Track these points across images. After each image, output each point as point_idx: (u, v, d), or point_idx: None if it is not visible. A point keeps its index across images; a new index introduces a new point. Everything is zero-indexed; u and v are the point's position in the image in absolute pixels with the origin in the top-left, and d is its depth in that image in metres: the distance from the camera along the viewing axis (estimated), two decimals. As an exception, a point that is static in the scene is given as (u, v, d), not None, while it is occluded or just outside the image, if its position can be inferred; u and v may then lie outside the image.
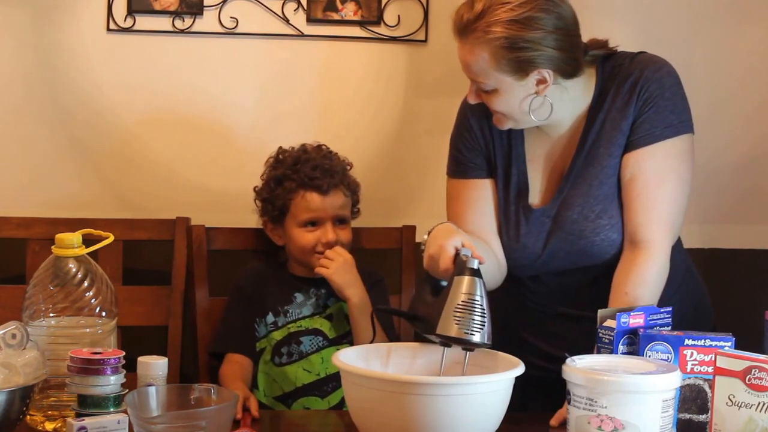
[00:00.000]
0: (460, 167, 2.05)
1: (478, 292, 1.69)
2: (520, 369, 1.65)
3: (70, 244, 1.82)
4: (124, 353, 1.74)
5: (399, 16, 2.67)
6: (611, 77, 1.95)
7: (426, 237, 1.86)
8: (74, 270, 1.82)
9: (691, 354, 1.71)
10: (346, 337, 2.25)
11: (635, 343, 1.74)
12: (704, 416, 1.71)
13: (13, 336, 1.72)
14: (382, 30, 2.68)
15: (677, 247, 1.96)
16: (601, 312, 1.80)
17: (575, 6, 1.89)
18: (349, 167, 2.36)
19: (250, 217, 2.40)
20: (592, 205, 1.94)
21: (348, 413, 1.73)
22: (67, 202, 2.62)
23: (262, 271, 2.34)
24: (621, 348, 1.75)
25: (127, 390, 1.70)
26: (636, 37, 2.63)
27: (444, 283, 1.74)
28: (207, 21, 2.64)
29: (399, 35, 2.68)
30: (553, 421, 1.79)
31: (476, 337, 1.67)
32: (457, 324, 1.67)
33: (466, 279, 1.69)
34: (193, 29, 2.64)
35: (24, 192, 2.63)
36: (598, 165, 1.94)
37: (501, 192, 2.01)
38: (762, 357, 1.55)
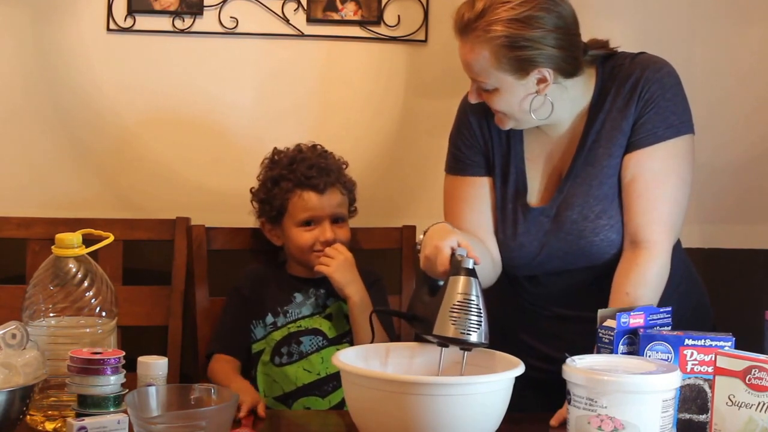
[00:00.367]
0: (458, 164, 2.05)
1: (474, 292, 1.69)
2: (520, 369, 1.65)
3: (70, 244, 1.82)
4: (124, 353, 1.74)
5: (399, 16, 2.67)
6: (611, 77, 1.95)
7: (422, 237, 1.86)
8: (74, 270, 1.82)
9: (691, 354, 1.71)
10: (345, 337, 2.25)
11: (635, 343, 1.74)
12: (704, 416, 1.71)
13: (13, 336, 1.72)
14: (382, 30, 2.68)
15: (676, 247, 1.96)
16: (601, 312, 1.80)
17: (575, 6, 1.89)
18: (344, 166, 2.36)
19: (249, 217, 2.40)
20: (592, 205, 1.94)
21: (348, 413, 1.73)
22: (67, 202, 2.62)
23: (261, 273, 2.34)
24: (621, 348, 1.75)
25: (127, 390, 1.70)
26: (636, 37, 2.63)
27: (441, 283, 1.74)
28: (207, 21, 2.64)
29: (399, 35, 2.68)
30: (553, 421, 1.79)
31: (473, 337, 1.67)
32: (453, 324, 1.67)
33: (462, 279, 1.69)
34: (193, 29, 2.64)
35: (24, 192, 2.63)
36: (598, 165, 1.94)
37: (499, 190, 2.01)
38: (762, 357, 1.55)
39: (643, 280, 1.87)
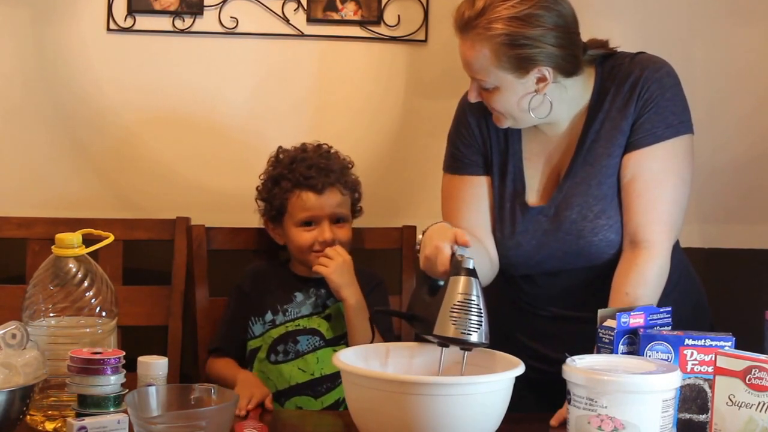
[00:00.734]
0: (456, 163, 2.05)
1: (475, 292, 1.69)
2: (520, 369, 1.65)
3: (70, 244, 1.82)
4: (124, 353, 1.73)
5: (399, 16, 2.67)
6: (610, 77, 1.95)
7: (421, 237, 1.86)
8: (74, 270, 1.82)
9: (691, 354, 1.71)
10: (343, 339, 2.25)
11: (635, 342, 1.74)
12: (704, 416, 1.71)
13: (13, 336, 1.72)
14: (382, 30, 2.68)
15: (675, 247, 1.96)
16: (601, 312, 1.80)
17: (575, 6, 1.89)
18: (350, 165, 2.36)
19: (250, 217, 2.40)
20: (591, 205, 1.94)
21: (345, 413, 1.72)
22: (67, 202, 2.62)
23: (263, 270, 2.34)
24: (621, 348, 1.75)
25: (127, 390, 1.70)
26: (636, 37, 2.63)
27: (441, 283, 1.74)
28: (207, 21, 2.64)
29: (399, 35, 2.68)
30: (553, 421, 1.79)
31: (473, 337, 1.67)
32: (454, 324, 1.67)
33: (462, 279, 1.69)
34: (193, 29, 2.64)
35: (24, 192, 2.63)
36: (597, 165, 1.94)
37: (497, 189, 2.01)
38: (762, 357, 1.55)
39: (643, 280, 1.87)
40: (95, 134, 2.65)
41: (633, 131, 1.92)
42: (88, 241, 1.85)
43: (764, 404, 1.53)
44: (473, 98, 1.93)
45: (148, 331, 2.43)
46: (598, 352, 1.77)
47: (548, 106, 1.89)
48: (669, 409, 1.56)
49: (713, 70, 2.72)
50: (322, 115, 2.70)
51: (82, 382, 1.70)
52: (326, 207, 2.26)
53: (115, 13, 2.61)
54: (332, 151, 2.36)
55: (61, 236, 1.83)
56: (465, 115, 2.05)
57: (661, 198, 1.90)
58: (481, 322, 1.68)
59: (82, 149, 2.65)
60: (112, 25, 2.62)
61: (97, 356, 1.70)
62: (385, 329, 2.26)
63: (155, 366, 1.81)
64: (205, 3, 2.63)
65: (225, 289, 2.35)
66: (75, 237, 1.83)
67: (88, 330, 1.81)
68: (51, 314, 1.80)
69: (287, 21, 2.66)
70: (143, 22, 2.63)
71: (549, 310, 2.03)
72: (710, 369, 1.68)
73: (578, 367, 1.60)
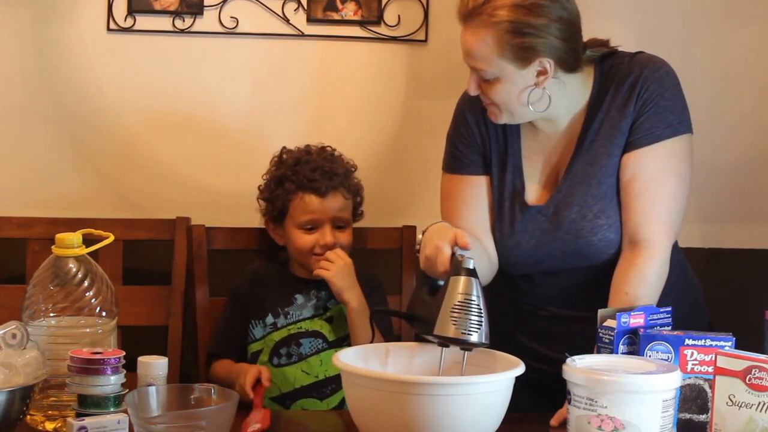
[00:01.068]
0: (455, 163, 2.05)
1: (475, 292, 1.68)
2: (520, 369, 1.65)
3: (70, 243, 1.82)
4: (124, 353, 1.73)
5: (399, 15, 2.67)
6: (609, 76, 1.95)
7: (420, 237, 1.86)
8: (74, 270, 1.82)
9: (692, 354, 1.71)
10: (345, 340, 2.25)
11: (635, 342, 1.74)
12: (704, 416, 1.71)
13: (13, 336, 1.72)
14: (382, 30, 2.68)
15: (673, 247, 1.96)
16: (601, 312, 1.80)
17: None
18: (353, 169, 2.35)
19: (250, 217, 2.40)
20: (591, 204, 1.94)
21: (347, 413, 1.73)
22: (67, 201, 2.62)
23: (262, 272, 2.34)
24: (621, 348, 1.75)
25: (127, 390, 1.70)
26: (635, 36, 2.63)
27: (441, 283, 1.74)
28: (207, 21, 2.64)
29: (399, 35, 2.68)
30: (553, 421, 1.79)
31: (474, 337, 1.67)
32: (454, 324, 1.67)
33: (463, 279, 1.69)
34: (194, 29, 2.64)
35: (24, 192, 2.63)
36: (596, 164, 1.94)
37: (496, 188, 2.01)
38: (762, 357, 1.55)
39: (643, 279, 1.87)
40: (95, 134, 2.65)
41: (632, 131, 1.92)
42: (88, 241, 1.85)
43: (764, 404, 1.53)
44: (472, 90, 1.92)
45: (148, 331, 2.43)
46: (598, 352, 1.77)
47: (547, 100, 1.89)
48: (669, 409, 1.56)
49: (713, 70, 2.72)
50: (322, 115, 2.70)
51: (82, 382, 1.70)
52: (329, 211, 2.26)
53: (115, 13, 2.61)
54: (336, 154, 2.35)
55: (61, 236, 1.83)
56: (464, 114, 2.05)
57: (661, 197, 1.90)
58: (482, 322, 1.67)
59: (83, 149, 2.65)
60: (112, 25, 2.62)
61: (97, 356, 1.70)
62: (386, 330, 2.26)
63: (155, 366, 1.81)
64: (205, 3, 2.63)
65: (225, 289, 2.35)
66: (75, 237, 1.83)
67: (88, 330, 1.81)
68: (51, 314, 1.80)
69: (287, 21, 2.66)
70: (143, 22, 2.63)
71: (548, 310, 2.03)
72: (710, 369, 1.68)
73: (578, 367, 1.60)
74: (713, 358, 1.61)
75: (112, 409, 1.69)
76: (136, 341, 2.23)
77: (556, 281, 2.01)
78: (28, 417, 1.73)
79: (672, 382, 1.57)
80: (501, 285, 2.04)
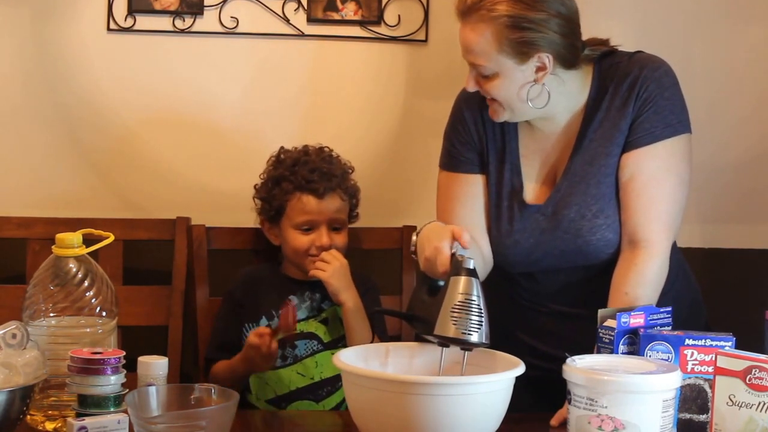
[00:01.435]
0: (452, 161, 2.06)
1: (475, 292, 1.69)
2: (520, 369, 1.65)
3: (71, 243, 1.82)
4: (124, 353, 1.73)
5: (399, 15, 2.67)
6: (608, 76, 1.96)
7: (415, 238, 1.86)
8: (74, 270, 1.82)
9: (692, 354, 1.71)
10: (340, 341, 2.24)
11: (635, 342, 1.74)
12: (704, 416, 1.71)
13: (14, 336, 1.72)
14: (382, 30, 2.68)
15: (672, 247, 1.96)
16: (601, 312, 1.80)
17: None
18: (350, 171, 2.35)
19: (250, 217, 2.40)
20: (590, 204, 1.94)
21: (346, 413, 1.72)
22: (67, 201, 2.62)
23: (255, 275, 2.33)
24: (621, 348, 1.75)
25: (127, 390, 1.70)
26: (635, 36, 2.63)
27: (441, 283, 1.74)
28: (207, 21, 2.64)
29: (399, 35, 2.68)
30: (554, 421, 1.79)
31: (474, 337, 1.67)
32: (454, 324, 1.67)
33: (463, 279, 1.69)
34: (194, 29, 2.64)
35: (24, 192, 2.63)
36: (595, 164, 1.94)
37: (494, 187, 2.01)
38: (762, 357, 1.55)
39: (642, 279, 1.87)
40: (95, 134, 2.64)
41: (631, 130, 1.92)
42: (88, 241, 1.85)
43: (764, 404, 1.53)
44: (471, 87, 1.92)
45: (149, 331, 2.43)
46: (599, 352, 1.77)
47: (546, 97, 1.89)
48: (669, 409, 1.56)
49: (713, 69, 2.72)
50: (321, 115, 2.70)
51: (83, 382, 1.70)
52: (325, 212, 2.26)
53: (115, 13, 2.61)
54: (334, 155, 2.35)
55: (62, 236, 1.83)
56: (462, 112, 2.05)
57: (660, 197, 1.90)
58: (482, 322, 1.68)
59: (83, 149, 2.65)
60: (113, 25, 2.62)
61: (98, 356, 1.70)
62: (381, 331, 2.26)
63: (155, 366, 1.81)
64: (206, 3, 2.63)
65: (225, 288, 2.35)
66: (75, 237, 1.83)
67: (88, 330, 1.81)
68: (51, 314, 1.80)
69: (287, 21, 2.65)
70: (143, 22, 2.62)
71: (548, 307, 2.03)
72: (710, 369, 1.68)
73: (578, 367, 1.60)
74: (713, 358, 1.61)
75: (112, 409, 1.69)
76: (136, 341, 2.23)
77: (555, 279, 2.01)
78: (28, 417, 1.73)
79: (672, 382, 1.57)
80: (500, 282, 2.04)
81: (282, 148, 2.36)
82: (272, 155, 2.36)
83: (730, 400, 1.56)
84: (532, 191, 2.00)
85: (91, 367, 1.69)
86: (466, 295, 1.68)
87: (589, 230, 1.93)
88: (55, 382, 1.75)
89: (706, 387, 1.71)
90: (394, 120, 2.71)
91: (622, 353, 1.74)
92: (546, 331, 2.03)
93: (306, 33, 2.66)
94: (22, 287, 1.95)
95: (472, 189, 2.03)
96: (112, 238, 1.90)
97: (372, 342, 1.90)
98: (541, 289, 2.04)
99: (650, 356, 1.72)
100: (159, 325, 2.43)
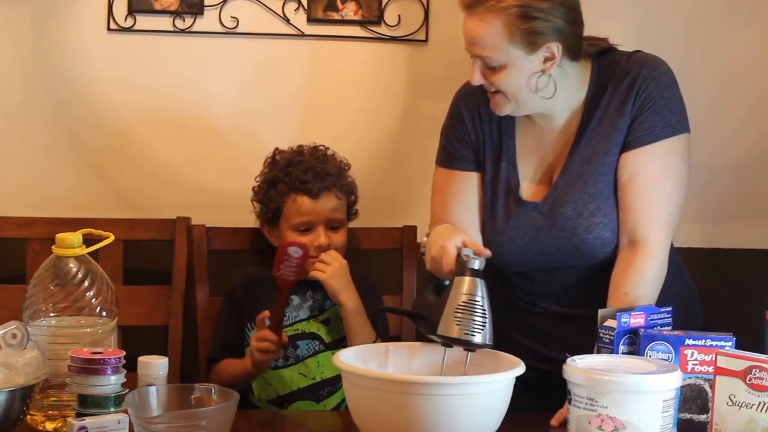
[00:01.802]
0: (448, 157, 2.06)
1: (479, 293, 1.69)
2: (520, 369, 1.65)
3: (71, 243, 1.82)
4: (124, 353, 1.73)
5: (399, 15, 2.67)
6: (607, 74, 1.96)
7: (425, 239, 1.86)
8: (75, 270, 1.82)
9: (692, 354, 1.71)
10: (342, 342, 2.24)
11: (636, 342, 1.74)
12: (705, 416, 1.71)
13: (14, 336, 1.72)
14: (382, 30, 2.68)
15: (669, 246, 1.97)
16: (601, 312, 1.80)
17: (575, 6, 1.90)
18: (346, 168, 2.35)
19: (250, 217, 2.40)
20: (587, 202, 1.94)
21: (346, 413, 1.72)
22: (67, 201, 2.62)
23: (256, 275, 2.33)
24: (621, 348, 1.75)
25: (127, 390, 1.70)
26: (635, 36, 2.62)
27: (447, 283, 1.74)
28: (207, 21, 2.64)
29: (399, 35, 2.68)
30: (554, 421, 1.79)
31: (477, 338, 1.67)
32: (458, 325, 1.67)
33: (467, 280, 1.69)
34: (194, 29, 2.64)
35: (24, 192, 2.63)
36: (594, 162, 1.94)
37: (489, 185, 2.01)
38: (762, 357, 1.55)
39: (642, 279, 1.87)
40: (96, 134, 2.64)
41: (631, 130, 1.92)
42: (88, 240, 1.85)
43: (765, 404, 1.53)
44: (476, 79, 1.91)
45: (149, 331, 2.43)
46: (599, 352, 1.77)
47: (553, 87, 1.90)
48: (669, 409, 1.56)
49: (713, 69, 2.71)
50: (321, 115, 2.69)
51: (83, 382, 1.70)
52: (321, 212, 2.25)
53: (115, 12, 2.61)
54: (329, 153, 2.35)
55: (62, 236, 1.83)
56: (459, 110, 2.05)
57: (660, 197, 1.91)
58: (485, 323, 1.68)
59: (83, 149, 2.65)
60: (113, 25, 2.61)
61: (98, 356, 1.70)
62: (383, 331, 2.26)
63: (155, 366, 1.81)
64: (206, 3, 2.63)
65: (225, 288, 2.35)
66: (75, 237, 1.83)
67: (88, 330, 1.81)
68: (51, 314, 1.80)
69: (287, 21, 2.65)
70: (143, 21, 2.62)
71: (543, 307, 2.03)
72: (711, 369, 1.68)
73: (579, 367, 1.60)
74: (713, 358, 1.61)
75: (112, 409, 1.69)
76: (136, 341, 2.23)
77: (550, 278, 2.01)
78: (29, 417, 1.73)
79: (672, 382, 1.57)
80: (495, 282, 2.04)
81: (277, 149, 2.36)
82: (268, 156, 2.36)
83: (731, 400, 1.56)
84: (528, 189, 2.00)
85: (91, 367, 1.69)
86: (470, 296, 1.68)
87: (586, 228, 1.93)
88: (55, 382, 1.75)
89: (707, 387, 1.71)
90: (394, 120, 2.71)
91: (622, 353, 1.74)
92: (541, 332, 2.03)
93: (306, 33, 2.66)
94: (22, 287, 1.95)
95: (468, 186, 2.03)
96: (112, 238, 1.90)
97: (375, 342, 1.90)
98: (536, 289, 2.03)
99: (650, 356, 1.72)
100: (159, 325, 2.43)
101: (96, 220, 2.38)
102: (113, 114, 2.64)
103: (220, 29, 2.65)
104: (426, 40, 2.69)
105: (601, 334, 1.77)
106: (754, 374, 1.54)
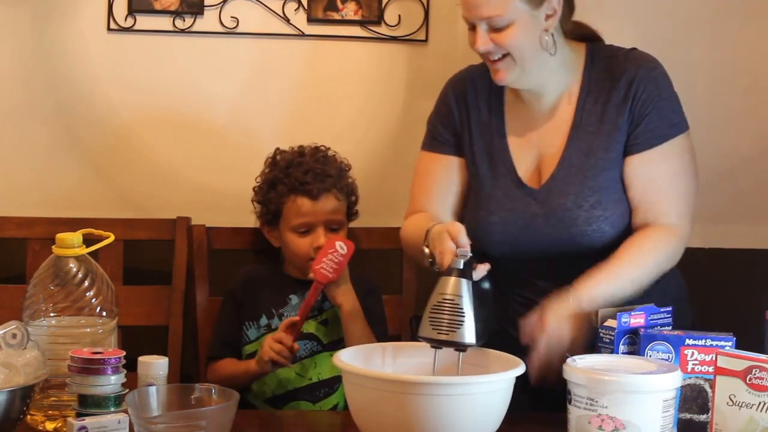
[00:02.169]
0: (431, 141, 2.10)
1: (450, 291, 1.67)
2: (520, 369, 1.65)
3: (71, 243, 1.82)
4: (124, 353, 1.73)
5: (399, 15, 2.67)
6: (603, 67, 1.98)
7: (427, 251, 1.85)
8: (75, 270, 1.82)
9: (692, 354, 1.71)
10: (340, 343, 2.23)
11: (636, 342, 1.74)
12: (705, 416, 1.71)
13: (14, 336, 1.72)
14: (382, 30, 2.68)
15: None
16: (601, 312, 1.80)
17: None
18: (347, 169, 2.35)
19: (250, 217, 2.40)
20: (587, 195, 1.95)
21: (345, 413, 1.72)
22: (67, 201, 2.62)
23: (256, 274, 2.33)
24: (621, 348, 1.75)
25: (127, 390, 1.70)
26: (634, 35, 2.60)
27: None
28: (207, 21, 2.64)
29: (399, 35, 2.68)
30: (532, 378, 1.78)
31: (454, 336, 1.66)
32: (431, 324, 1.67)
33: (442, 279, 1.69)
34: (194, 29, 2.64)
35: (24, 192, 2.63)
36: (593, 157, 1.96)
37: (478, 167, 2.02)
38: (762, 357, 1.55)
39: (649, 244, 1.90)
40: (96, 134, 2.65)
41: (636, 133, 1.94)
42: (88, 240, 1.85)
43: (765, 404, 1.53)
44: (483, 44, 1.91)
45: (149, 331, 2.43)
46: (599, 351, 1.77)
47: (554, 46, 1.92)
48: (669, 409, 1.57)
49: (713, 70, 2.71)
50: (321, 115, 2.70)
51: (83, 382, 1.69)
52: (321, 213, 2.25)
53: (115, 12, 2.61)
54: (329, 153, 2.34)
55: (62, 236, 1.83)
56: (447, 96, 2.09)
57: (679, 193, 1.94)
58: (461, 321, 1.66)
59: (83, 149, 2.65)
60: (113, 25, 2.62)
61: (98, 356, 1.70)
62: (380, 333, 2.25)
63: (155, 366, 1.81)
64: (206, 3, 2.63)
65: (225, 288, 2.35)
66: (75, 237, 1.83)
67: (88, 330, 1.81)
68: (51, 314, 1.80)
69: (288, 21, 2.66)
70: (143, 21, 2.62)
71: (529, 297, 2.01)
72: (711, 369, 1.68)
73: (579, 367, 1.60)
74: (714, 358, 1.61)
75: (112, 409, 1.69)
76: (136, 341, 2.22)
77: (540, 269, 1.99)
78: (29, 417, 1.72)
79: (672, 382, 1.57)
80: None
81: (278, 149, 2.35)
82: (268, 157, 2.35)
83: (731, 400, 1.56)
84: (523, 173, 2.00)
85: (91, 367, 1.69)
86: (443, 296, 1.68)
87: (586, 221, 1.94)
88: (55, 382, 1.75)
89: (707, 387, 1.71)
90: (394, 120, 2.71)
91: (623, 353, 1.74)
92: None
93: (306, 33, 2.66)
94: (22, 287, 1.95)
95: (448, 170, 2.06)
96: (112, 238, 1.90)
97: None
98: (524, 276, 2.02)
99: (650, 356, 1.72)
100: (159, 325, 2.43)
101: (96, 220, 2.38)
102: (113, 114, 2.64)
103: (220, 29, 2.65)
104: (426, 40, 2.69)
105: (601, 334, 1.78)
106: (755, 374, 1.54)
